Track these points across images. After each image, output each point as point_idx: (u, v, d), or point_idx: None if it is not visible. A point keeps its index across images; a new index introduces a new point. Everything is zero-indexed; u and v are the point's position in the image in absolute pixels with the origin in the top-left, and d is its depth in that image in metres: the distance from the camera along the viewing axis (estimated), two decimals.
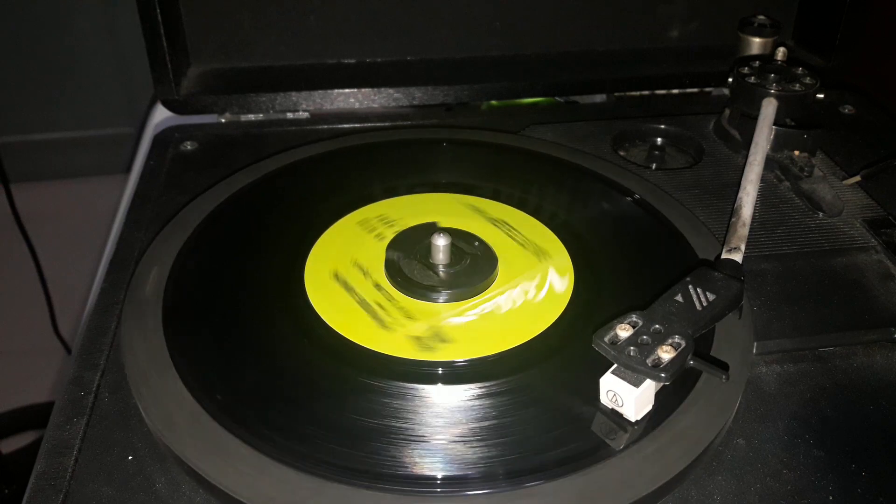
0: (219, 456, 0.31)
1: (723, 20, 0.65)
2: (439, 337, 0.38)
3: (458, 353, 0.37)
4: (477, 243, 0.43)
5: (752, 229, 0.44)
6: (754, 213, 0.45)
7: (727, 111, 0.55)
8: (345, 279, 0.41)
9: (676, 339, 0.34)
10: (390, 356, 0.37)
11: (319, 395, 0.35)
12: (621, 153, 0.55)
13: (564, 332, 0.38)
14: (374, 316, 0.39)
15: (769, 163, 0.50)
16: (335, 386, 0.35)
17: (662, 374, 0.32)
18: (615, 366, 0.33)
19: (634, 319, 0.35)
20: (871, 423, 0.36)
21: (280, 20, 0.61)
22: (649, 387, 0.33)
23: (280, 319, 0.39)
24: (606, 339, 0.34)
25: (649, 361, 0.33)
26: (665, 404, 0.34)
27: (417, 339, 0.38)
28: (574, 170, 0.51)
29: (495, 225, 0.46)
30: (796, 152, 0.51)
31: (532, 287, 0.41)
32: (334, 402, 0.35)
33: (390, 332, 0.38)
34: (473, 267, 0.42)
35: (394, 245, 0.43)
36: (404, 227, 0.45)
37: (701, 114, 0.58)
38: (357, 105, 0.60)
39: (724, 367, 0.35)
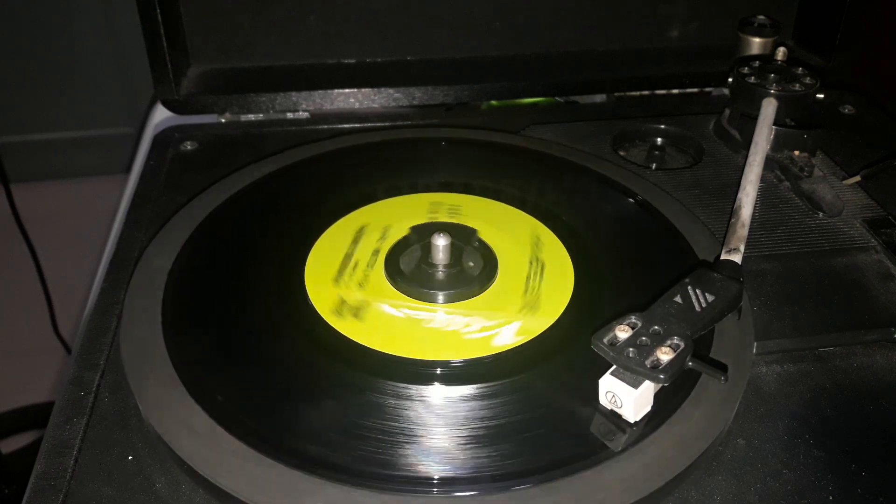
0: (219, 456, 0.31)
1: (723, 20, 0.65)
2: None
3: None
4: (477, 243, 0.43)
5: (752, 229, 0.44)
6: (754, 213, 0.45)
7: (727, 111, 0.55)
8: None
9: (675, 340, 0.34)
10: (389, 355, 0.37)
11: (319, 394, 0.35)
12: (621, 153, 0.55)
13: (564, 333, 0.38)
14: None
15: (769, 163, 0.50)
16: (335, 386, 0.35)
17: (661, 376, 0.32)
18: (614, 367, 0.33)
19: (633, 321, 0.35)
20: (871, 423, 0.36)
21: (280, 20, 0.61)
22: (648, 388, 0.33)
23: (280, 319, 0.39)
24: (605, 341, 0.34)
25: (648, 363, 0.33)
26: (665, 405, 0.34)
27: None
28: (574, 169, 0.51)
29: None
30: (796, 152, 0.51)
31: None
32: (334, 402, 0.35)
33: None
34: (474, 267, 0.42)
35: (394, 245, 0.43)
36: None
37: (701, 114, 0.58)
38: (357, 105, 0.60)
39: (722, 368, 0.35)
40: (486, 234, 0.44)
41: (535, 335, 0.38)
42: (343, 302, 0.40)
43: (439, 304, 0.40)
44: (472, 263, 0.42)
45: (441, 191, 0.49)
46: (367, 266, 0.42)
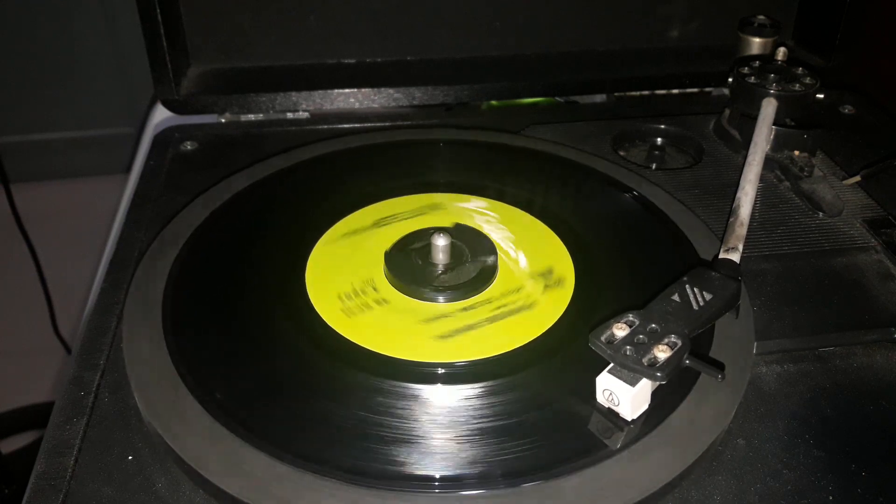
0: (219, 456, 0.31)
1: (723, 20, 0.65)
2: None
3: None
4: (477, 243, 0.43)
5: (751, 229, 0.44)
6: (754, 213, 0.45)
7: (727, 111, 0.55)
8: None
9: (673, 338, 0.34)
10: (389, 356, 0.37)
11: (319, 394, 0.35)
12: (621, 153, 0.55)
13: (564, 332, 0.38)
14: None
15: (769, 163, 0.50)
16: (335, 385, 0.35)
17: (658, 374, 0.32)
18: (612, 365, 0.33)
19: (631, 319, 0.35)
20: (871, 423, 0.36)
21: (280, 20, 0.61)
22: (645, 386, 0.33)
23: (280, 318, 0.39)
24: (603, 339, 0.34)
25: (645, 361, 0.33)
26: (665, 404, 0.34)
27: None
28: (575, 169, 0.51)
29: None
30: (796, 152, 0.51)
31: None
32: (334, 402, 0.35)
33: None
34: (473, 267, 0.42)
35: (394, 245, 0.43)
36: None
37: (701, 114, 0.58)
38: (357, 105, 0.60)
39: (720, 366, 0.35)
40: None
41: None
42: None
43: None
44: (466, 274, 0.41)
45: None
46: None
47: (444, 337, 0.38)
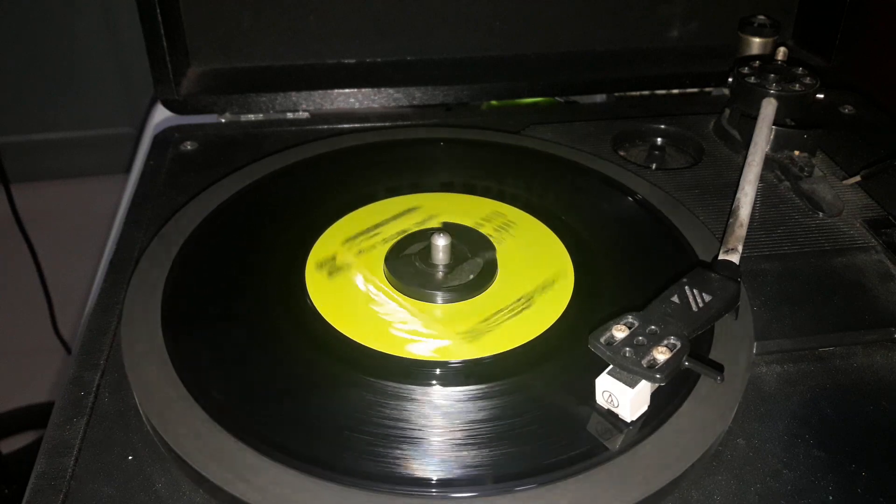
0: (219, 456, 0.31)
1: (723, 20, 0.65)
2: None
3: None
4: (477, 243, 0.43)
5: (752, 229, 0.44)
6: (754, 213, 0.45)
7: (727, 111, 0.55)
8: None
9: (672, 340, 0.34)
10: (389, 356, 0.37)
11: (319, 394, 0.35)
12: (621, 153, 0.55)
13: (564, 333, 0.38)
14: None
15: (769, 163, 0.50)
16: (335, 386, 0.35)
17: (657, 375, 0.32)
18: (611, 366, 0.33)
19: (630, 320, 0.35)
20: (871, 423, 0.36)
21: (280, 20, 0.61)
22: (645, 387, 0.33)
23: (280, 318, 0.39)
24: (602, 340, 0.34)
25: (644, 362, 0.33)
26: (665, 405, 0.34)
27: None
28: (574, 169, 0.51)
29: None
30: (796, 152, 0.51)
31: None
32: (334, 402, 0.35)
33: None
34: (473, 267, 0.42)
35: (394, 245, 0.43)
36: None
37: (701, 114, 0.58)
38: (357, 105, 0.60)
39: (719, 368, 0.35)
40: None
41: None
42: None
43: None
44: (466, 274, 0.41)
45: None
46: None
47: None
